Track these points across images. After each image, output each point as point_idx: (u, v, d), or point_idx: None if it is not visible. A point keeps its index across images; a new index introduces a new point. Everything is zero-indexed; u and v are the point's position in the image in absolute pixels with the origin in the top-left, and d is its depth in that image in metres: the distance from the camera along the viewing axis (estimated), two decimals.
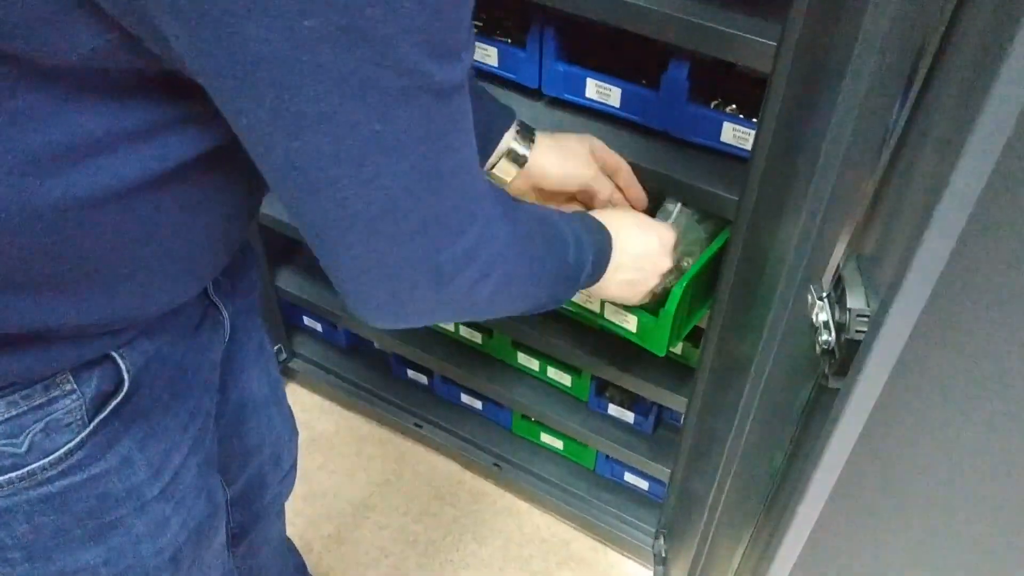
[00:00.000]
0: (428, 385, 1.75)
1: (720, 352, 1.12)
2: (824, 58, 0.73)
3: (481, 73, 1.13)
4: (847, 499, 0.64)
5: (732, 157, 1.03)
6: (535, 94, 1.12)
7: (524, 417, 1.62)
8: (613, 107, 1.06)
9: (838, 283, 0.62)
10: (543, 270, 0.74)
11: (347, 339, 1.82)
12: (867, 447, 0.59)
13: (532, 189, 0.97)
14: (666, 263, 0.93)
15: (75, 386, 0.65)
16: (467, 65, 0.54)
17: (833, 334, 0.61)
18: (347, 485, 1.75)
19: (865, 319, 0.58)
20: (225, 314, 0.83)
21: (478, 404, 1.70)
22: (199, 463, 0.80)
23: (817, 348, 0.63)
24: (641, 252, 0.90)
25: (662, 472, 1.45)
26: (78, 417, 0.65)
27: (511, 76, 1.12)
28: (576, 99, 1.08)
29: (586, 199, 1.00)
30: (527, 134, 0.93)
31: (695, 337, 1.21)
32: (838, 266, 0.64)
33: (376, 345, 1.79)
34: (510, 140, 0.92)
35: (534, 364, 1.50)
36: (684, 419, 1.28)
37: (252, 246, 0.91)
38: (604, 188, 0.98)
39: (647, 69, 1.07)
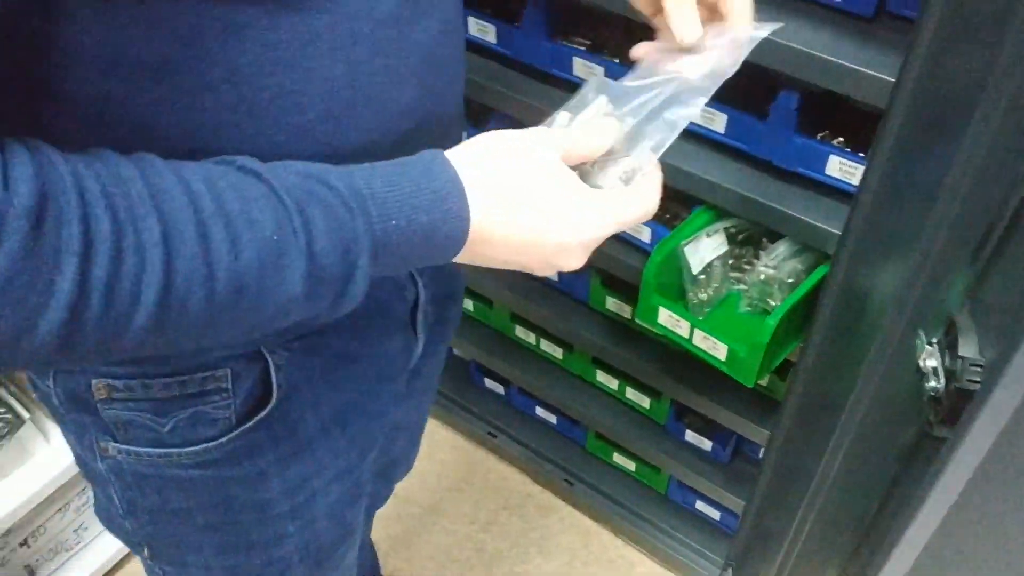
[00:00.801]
0: (505, 395, 1.76)
1: (809, 387, 1.10)
2: (947, 95, 0.71)
3: None
4: (946, 548, 0.63)
5: (836, 191, 1.01)
6: None
7: (599, 435, 1.62)
8: (718, 133, 1.06)
9: (950, 329, 0.61)
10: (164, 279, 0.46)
11: None
12: (972, 498, 0.57)
13: None
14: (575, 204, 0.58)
15: (230, 386, 0.65)
16: None
17: (942, 381, 0.60)
18: (418, 488, 1.77)
19: (979, 369, 0.56)
20: (419, 342, 0.79)
21: (553, 418, 1.70)
22: (343, 490, 0.78)
23: (922, 394, 0.62)
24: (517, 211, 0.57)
25: (736, 503, 1.43)
26: (225, 416, 0.66)
27: None
28: None
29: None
30: None
31: (782, 369, 1.20)
32: (950, 312, 0.63)
33: (456, 351, 1.81)
34: None
35: (613, 383, 1.49)
36: (764, 452, 1.26)
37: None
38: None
39: (755, 96, 1.06)
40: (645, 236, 1.19)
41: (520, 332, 1.57)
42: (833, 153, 0.99)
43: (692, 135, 1.09)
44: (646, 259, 1.19)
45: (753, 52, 0.93)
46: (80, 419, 0.67)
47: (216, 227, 0.47)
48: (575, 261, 0.59)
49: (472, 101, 1.24)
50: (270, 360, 0.65)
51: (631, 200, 0.60)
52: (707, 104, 1.03)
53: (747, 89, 1.07)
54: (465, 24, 1.13)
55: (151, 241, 0.44)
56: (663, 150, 0.62)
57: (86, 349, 0.45)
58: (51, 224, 0.42)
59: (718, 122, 1.05)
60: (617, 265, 1.23)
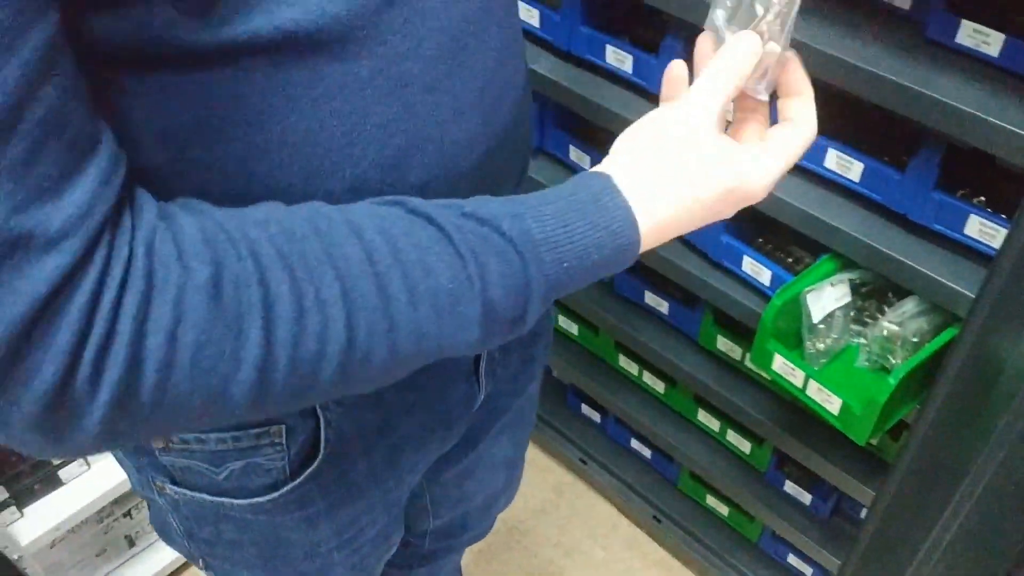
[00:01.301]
0: (600, 423, 1.75)
1: (924, 452, 1.06)
2: None
3: None
4: None
5: (973, 252, 0.98)
6: None
7: (693, 475, 1.59)
8: (852, 181, 1.03)
9: None
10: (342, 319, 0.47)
11: None
12: None
13: None
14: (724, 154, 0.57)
15: (283, 440, 0.65)
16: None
17: None
18: None
19: None
20: (482, 390, 0.78)
21: (647, 452, 1.68)
22: (387, 519, 0.79)
23: None
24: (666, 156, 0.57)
25: (831, 562, 1.38)
26: (279, 466, 0.66)
27: None
28: (813, 167, 1.06)
29: None
30: None
31: (895, 428, 1.15)
32: None
33: (555, 373, 1.80)
34: None
35: (714, 424, 1.47)
36: (868, 512, 1.22)
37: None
38: None
39: (894, 146, 1.03)
40: (765, 278, 1.17)
41: (623, 362, 1.56)
42: (974, 213, 0.95)
43: (825, 181, 1.06)
44: (763, 302, 1.17)
45: (897, 101, 0.91)
46: (137, 460, 0.70)
47: (394, 279, 0.47)
48: (757, 198, 0.59)
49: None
50: (321, 416, 0.65)
51: (789, 151, 0.59)
52: (844, 151, 1.01)
53: (887, 138, 1.04)
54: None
55: (331, 298, 0.46)
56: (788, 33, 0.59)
57: (276, 405, 0.47)
58: (230, 292, 0.43)
59: (854, 170, 1.02)
60: (732, 304, 1.21)
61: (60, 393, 0.40)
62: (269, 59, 0.48)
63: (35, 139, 0.38)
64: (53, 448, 0.44)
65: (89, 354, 0.40)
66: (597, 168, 0.56)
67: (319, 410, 0.65)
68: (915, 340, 1.03)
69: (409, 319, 0.48)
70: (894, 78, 0.91)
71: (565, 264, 0.52)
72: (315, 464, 0.67)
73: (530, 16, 1.28)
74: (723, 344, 1.33)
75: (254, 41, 0.47)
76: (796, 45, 0.79)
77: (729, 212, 0.58)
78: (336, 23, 0.49)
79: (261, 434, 0.64)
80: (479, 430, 0.86)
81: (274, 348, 0.44)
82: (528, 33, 1.30)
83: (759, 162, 0.57)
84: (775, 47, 0.58)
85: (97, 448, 0.45)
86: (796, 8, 0.58)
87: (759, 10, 0.58)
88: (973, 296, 0.93)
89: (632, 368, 1.55)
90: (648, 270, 1.35)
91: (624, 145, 0.57)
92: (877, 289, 1.12)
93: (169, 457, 0.66)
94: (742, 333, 1.29)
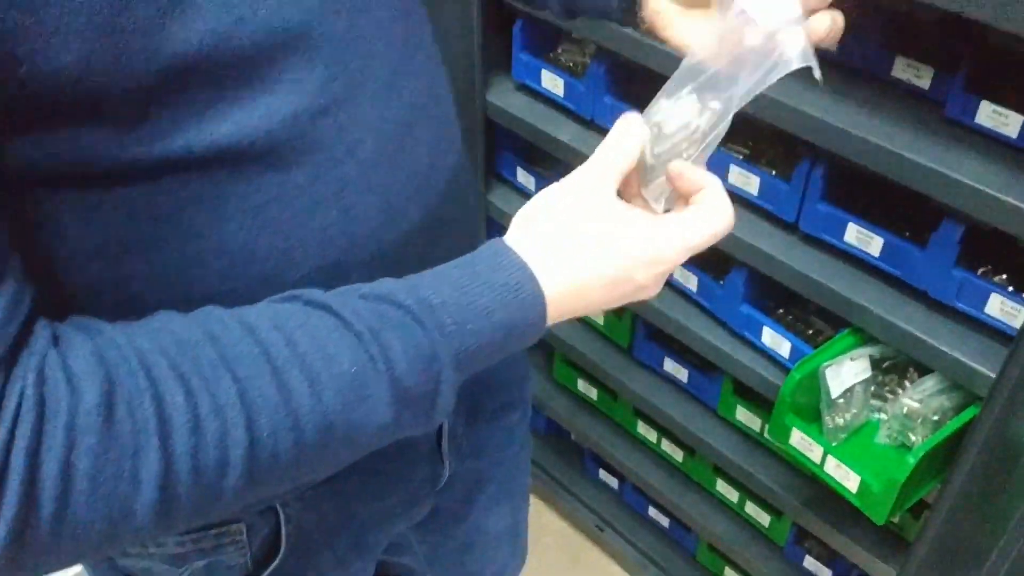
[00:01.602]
0: (618, 490, 1.73)
1: (945, 532, 1.04)
2: None
3: (738, 199, 1.13)
4: None
5: (994, 331, 0.97)
6: (791, 228, 1.11)
7: (711, 547, 1.57)
8: (872, 256, 1.03)
9: None
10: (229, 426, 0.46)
11: (546, 426, 1.84)
12: None
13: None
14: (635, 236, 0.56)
15: (244, 538, 0.64)
16: None
17: None
18: None
19: None
20: (447, 468, 0.77)
21: (665, 521, 1.65)
22: None
23: None
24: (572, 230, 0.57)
25: None
26: (242, 563, 0.65)
27: (768, 207, 1.11)
28: (834, 241, 1.06)
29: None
30: None
31: (916, 507, 1.13)
32: None
33: (573, 437, 1.79)
34: None
35: (733, 495, 1.45)
36: None
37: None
38: None
39: (916, 221, 1.03)
40: (784, 350, 1.16)
41: (642, 428, 1.55)
42: (995, 291, 0.95)
43: (845, 255, 1.06)
44: (783, 373, 1.16)
45: (916, 180, 0.91)
46: (95, 564, 0.69)
47: (293, 373, 0.46)
48: (650, 292, 0.57)
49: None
50: (281, 512, 0.64)
51: (694, 225, 0.56)
52: (864, 226, 1.02)
53: (909, 214, 1.04)
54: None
55: (228, 402, 0.45)
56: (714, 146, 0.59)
57: (184, 518, 0.46)
58: (123, 411, 0.42)
59: (874, 245, 1.02)
60: (751, 375, 1.21)
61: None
62: (203, 172, 0.48)
63: None
64: None
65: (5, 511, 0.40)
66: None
67: (279, 506, 0.64)
68: (936, 418, 1.02)
69: (313, 410, 0.47)
70: (913, 157, 0.92)
71: (469, 326, 0.50)
72: (278, 559, 0.66)
73: (555, 86, 1.31)
74: (742, 415, 1.32)
75: (188, 156, 0.47)
76: (816, 124, 0.79)
77: (641, 277, 0.55)
78: (270, 137, 0.49)
79: (221, 534, 0.63)
80: (464, 503, 0.85)
81: (174, 462, 0.43)
82: (551, 101, 1.33)
83: (665, 227, 0.56)
84: (681, 164, 0.58)
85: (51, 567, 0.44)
86: (712, 140, 0.59)
87: (672, 127, 0.59)
88: (994, 376, 0.92)
89: (651, 435, 1.54)
90: (667, 337, 1.35)
91: (519, 218, 0.57)
92: (898, 364, 1.11)
93: (128, 560, 0.65)
94: (762, 403, 1.28)
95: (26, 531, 0.41)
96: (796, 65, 0.58)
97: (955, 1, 0.82)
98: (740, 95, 0.59)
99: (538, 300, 0.53)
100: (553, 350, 1.62)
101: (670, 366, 1.42)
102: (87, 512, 0.42)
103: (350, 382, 0.48)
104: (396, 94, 0.57)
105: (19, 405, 0.41)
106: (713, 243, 0.57)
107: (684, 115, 0.59)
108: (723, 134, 0.60)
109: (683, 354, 1.40)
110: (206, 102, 0.47)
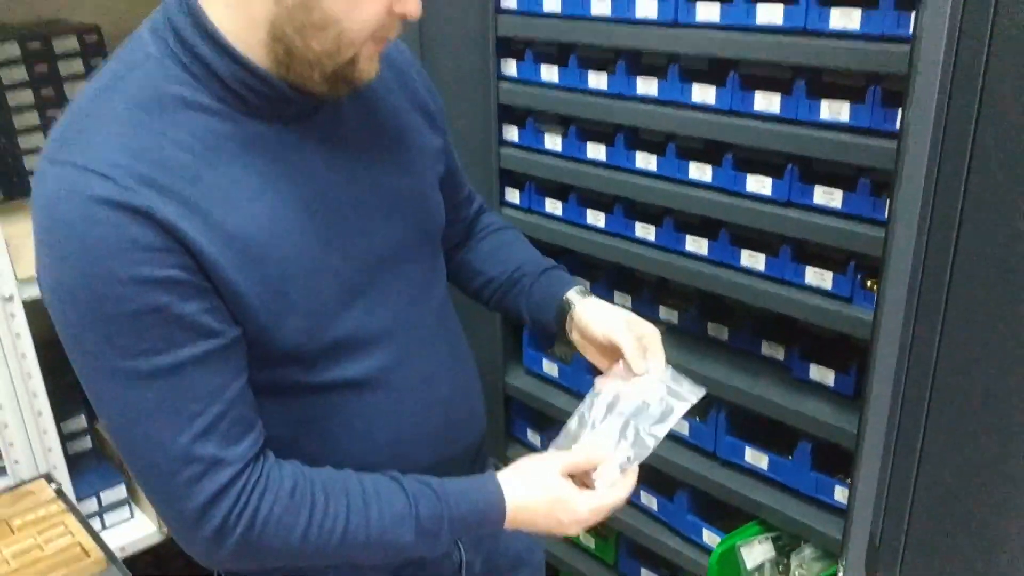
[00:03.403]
0: None
1: None
2: None
3: (677, 438, 1.68)
4: None
5: (840, 510, 1.48)
6: (711, 455, 1.65)
7: None
8: (763, 468, 1.56)
9: None
10: (325, 527, 0.94)
11: None
12: None
13: (581, 336, 1.17)
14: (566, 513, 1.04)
15: None
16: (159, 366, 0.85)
17: None
18: None
19: None
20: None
21: None
22: None
23: None
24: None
25: None
26: None
27: (696, 442, 1.66)
28: (739, 462, 1.59)
29: (618, 355, 1.13)
30: (585, 292, 1.20)
31: None
32: None
33: None
34: (571, 293, 1.20)
35: None
36: None
37: None
38: (629, 344, 1.11)
39: (786, 443, 1.58)
40: (715, 542, 1.65)
41: None
42: (838, 484, 1.47)
43: (746, 470, 1.59)
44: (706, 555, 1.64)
45: (781, 414, 1.47)
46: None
47: (372, 503, 0.96)
48: (571, 530, 1.06)
49: None
50: None
51: (608, 500, 1.06)
52: (755, 447, 1.56)
53: (781, 439, 1.59)
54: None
55: (341, 508, 0.95)
56: (640, 459, 1.08)
57: (315, 555, 0.97)
58: (298, 497, 0.93)
59: (763, 461, 1.56)
60: (689, 561, 1.68)
61: (216, 539, 0.90)
62: (342, 392, 1.00)
63: (234, 415, 0.90)
64: (207, 561, 0.94)
65: (232, 523, 0.90)
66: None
67: None
68: None
69: (377, 520, 0.96)
70: (778, 400, 1.49)
71: (463, 507, 1.00)
72: None
73: (552, 370, 1.90)
74: None
75: (334, 383, 0.99)
76: (708, 381, 1.35)
77: (564, 519, 1.04)
78: (375, 373, 1.02)
79: None
80: None
81: (311, 525, 0.93)
82: (551, 381, 1.91)
83: (580, 497, 1.04)
84: (601, 469, 1.07)
85: (233, 564, 0.95)
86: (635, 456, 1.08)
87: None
88: (839, 537, 1.42)
89: None
90: (644, 550, 1.83)
91: (514, 464, 1.07)
92: (792, 545, 1.60)
93: None
94: None
95: (244, 541, 0.91)
96: (692, 401, 1.10)
97: (788, 305, 1.43)
98: (645, 429, 1.08)
99: (501, 511, 1.02)
100: (557, 571, 2.07)
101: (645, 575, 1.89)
102: (271, 538, 0.93)
103: (399, 511, 0.97)
104: (446, 369, 1.11)
105: (256, 482, 0.91)
106: (613, 509, 1.07)
107: (602, 440, 1.09)
108: (645, 454, 1.08)
109: (655, 564, 1.87)
110: (344, 359, 1.00)
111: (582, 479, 1.07)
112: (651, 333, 1.14)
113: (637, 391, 1.10)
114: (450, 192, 1.18)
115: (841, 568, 1.41)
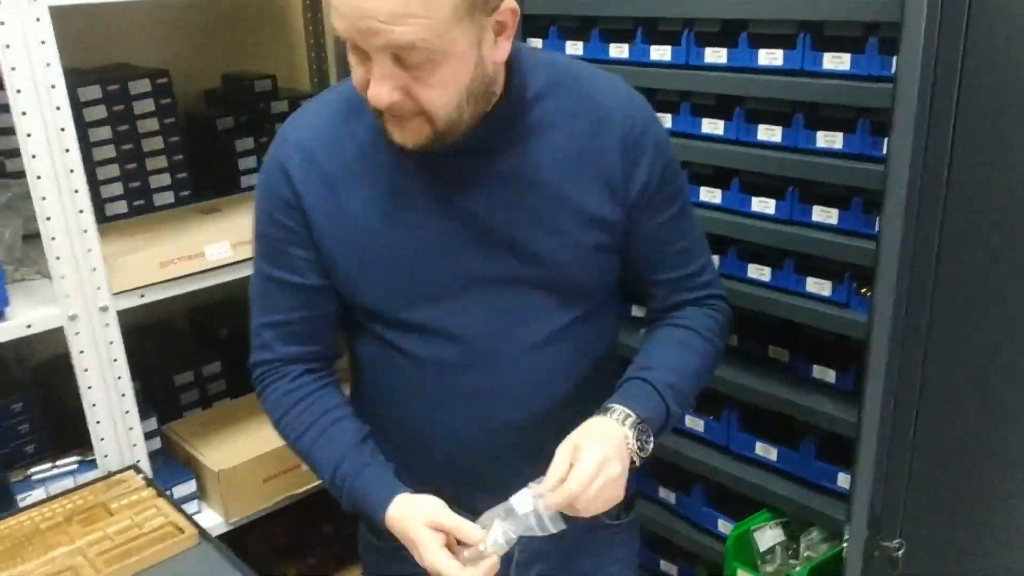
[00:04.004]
0: None
1: None
2: None
3: (689, 434, 1.85)
4: None
5: (843, 496, 1.64)
6: (724, 449, 1.82)
7: None
8: (772, 460, 1.73)
9: None
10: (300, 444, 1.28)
11: None
12: None
13: None
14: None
15: None
16: None
17: None
18: None
19: None
20: None
21: None
22: None
23: None
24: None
25: None
26: None
27: (710, 437, 1.84)
28: (749, 454, 1.77)
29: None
30: (617, 412, 1.21)
31: None
32: None
33: None
34: (612, 402, 1.25)
35: None
36: None
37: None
38: (558, 461, 1.12)
39: (793, 435, 1.75)
40: (724, 528, 1.82)
41: None
42: (841, 472, 1.64)
43: (757, 462, 1.76)
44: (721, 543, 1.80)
45: (786, 408, 1.64)
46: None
47: (318, 440, 1.26)
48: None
49: None
50: None
51: (446, 569, 1.12)
52: (764, 441, 1.73)
53: (787, 432, 1.77)
54: None
55: (298, 427, 1.28)
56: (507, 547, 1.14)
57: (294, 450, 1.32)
58: (290, 399, 1.31)
59: (772, 454, 1.73)
60: (706, 550, 1.84)
61: (255, 382, 1.32)
62: (404, 355, 1.28)
63: (292, 329, 1.30)
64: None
65: (257, 382, 1.32)
66: None
67: None
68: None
69: (312, 451, 1.31)
70: (785, 396, 1.66)
71: (359, 494, 1.23)
72: None
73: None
74: None
75: (400, 348, 1.27)
76: (722, 382, 1.52)
77: (416, 555, 1.17)
78: (433, 355, 1.26)
79: None
80: None
81: (281, 420, 1.32)
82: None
83: (431, 551, 1.13)
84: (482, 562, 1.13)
85: (263, 407, 1.34)
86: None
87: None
88: (844, 519, 1.59)
89: None
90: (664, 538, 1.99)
91: (413, 495, 1.22)
92: (795, 525, 1.77)
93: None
94: None
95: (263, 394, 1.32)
96: (552, 530, 1.13)
97: (791, 312, 1.61)
98: (521, 532, 1.13)
99: (381, 517, 1.20)
100: None
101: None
102: (267, 409, 1.32)
103: (327, 460, 1.26)
104: (531, 386, 1.28)
105: (277, 372, 1.30)
106: None
107: (493, 537, 1.13)
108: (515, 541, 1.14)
109: (673, 555, 2.02)
110: (414, 335, 1.26)
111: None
112: (587, 460, 1.12)
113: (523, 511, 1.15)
114: (641, 267, 1.34)
115: (845, 546, 1.57)
